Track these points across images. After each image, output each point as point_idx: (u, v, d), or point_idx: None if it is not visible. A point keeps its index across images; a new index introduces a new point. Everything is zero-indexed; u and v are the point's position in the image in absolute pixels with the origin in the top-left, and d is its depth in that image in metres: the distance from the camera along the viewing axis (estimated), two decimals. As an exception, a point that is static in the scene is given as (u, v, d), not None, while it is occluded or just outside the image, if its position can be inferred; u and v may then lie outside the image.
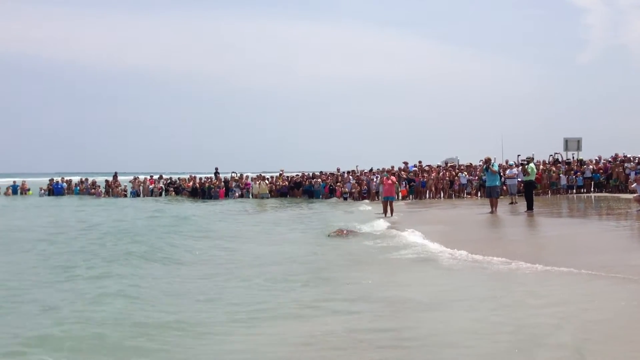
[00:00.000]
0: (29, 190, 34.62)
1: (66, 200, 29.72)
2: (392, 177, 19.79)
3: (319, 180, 29.61)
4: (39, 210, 23.08)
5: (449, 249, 10.30)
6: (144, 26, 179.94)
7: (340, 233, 13.58)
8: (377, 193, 24.70)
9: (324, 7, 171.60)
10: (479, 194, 25.84)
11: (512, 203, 20.57)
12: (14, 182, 36.77)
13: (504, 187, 22.80)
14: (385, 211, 18.58)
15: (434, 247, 10.89)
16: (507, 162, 25.50)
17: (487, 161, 18.88)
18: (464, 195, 26.63)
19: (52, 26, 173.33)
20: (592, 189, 25.91)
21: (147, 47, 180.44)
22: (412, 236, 12.57)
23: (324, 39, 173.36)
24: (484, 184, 25.07)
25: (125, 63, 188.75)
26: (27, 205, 26.44)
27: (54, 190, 33.18)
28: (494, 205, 17.88)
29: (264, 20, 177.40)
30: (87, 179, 34.73)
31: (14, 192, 34.36)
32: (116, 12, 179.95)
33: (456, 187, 26.75)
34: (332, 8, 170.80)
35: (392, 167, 26.30)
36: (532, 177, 18.86)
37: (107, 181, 34.13)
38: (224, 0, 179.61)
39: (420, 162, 28.73)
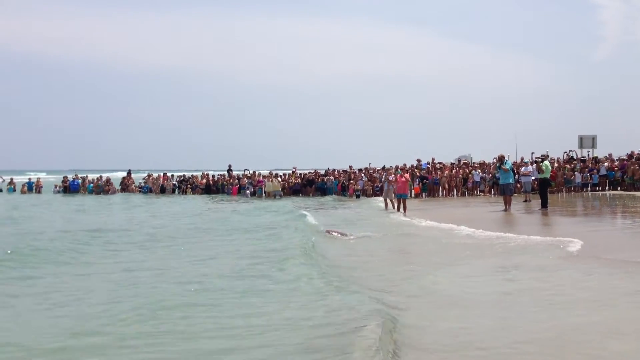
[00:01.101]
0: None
1: (93, 198, 29.85)
2: (406, 175, 19.77)
3: (332, 177, 29.64)
4: (91, 209, 22.86)
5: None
6: (157, 26, 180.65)
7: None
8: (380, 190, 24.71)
9: (337, 4, 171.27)
10: (492, 192, 25.75)
11: (526, 201, 20.46)
12: (29, 179, 37.22)
13: (518, 185, 22.69)
14: (395, 206, 18.73)
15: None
16: (522, 159, 25.38)
17: (501, 159, 18.78)
18: (477, 192, 26.54)
19: (71, 26, 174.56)
20: (607, 187, 25.70)
21: (161, 46, 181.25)
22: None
23: (337, 36, 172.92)
24: (497, 181, 25.02)
25: (140, 62, 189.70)
26: (66, 203, 26.16)
27: (70, 187, 33.47)
28: (507, 203, 17.79)
29: (277, 18, 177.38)
30: (101, 177, 34.99)
31: (30, 189, 34.74)
32: (131, 11, 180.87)
33: (469, 185, 26.66)
34: (345, 5, 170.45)
35: (405, 164, 26.25)
36: (547, 175, 18.76)
37: (123, 178, 34.49)
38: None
39: (433, 159, 28.65)
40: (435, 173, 26.94)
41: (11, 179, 36.49)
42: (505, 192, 18.08)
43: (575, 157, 27.93)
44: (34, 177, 37.45)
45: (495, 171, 23.66)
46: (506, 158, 19.11)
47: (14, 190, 34.57)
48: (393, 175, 21.50)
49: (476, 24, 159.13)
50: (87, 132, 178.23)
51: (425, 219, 15.61)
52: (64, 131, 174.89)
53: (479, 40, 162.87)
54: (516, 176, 21.60)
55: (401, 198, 18.68)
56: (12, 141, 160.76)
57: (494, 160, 25.23)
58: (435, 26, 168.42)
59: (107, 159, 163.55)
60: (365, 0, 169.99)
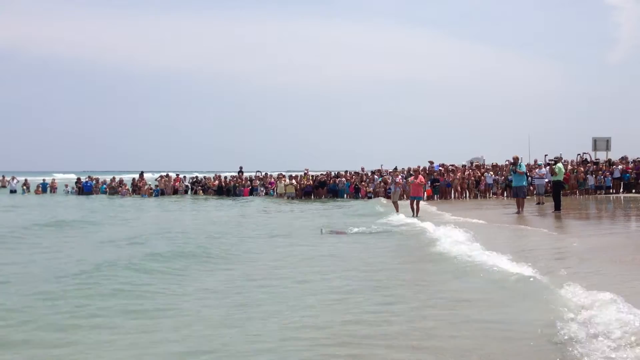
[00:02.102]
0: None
1: (112, 200, 30.14)
2: (420, 177, 19.71)
3: (343, 179, 29.65)
4: (130, 210, 23.04)
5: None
6: (169, 28, 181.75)
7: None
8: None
9: (353, 7, 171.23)
10: (505, 194, 25.63)
11: (539, 203, 20.35)
12: (44, 180, 37.58)
13: (531, 187, 22.56)
14: (397, 209, 18.78)
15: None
16: (535, 161, 25.25)
17: (515, 161, 18.58)
18: (489, 195, 26.43)
19: (84, 28, 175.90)
20: (620, 190, 25.50)
21: (174, 49, 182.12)
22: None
23: (351, 39, 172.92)
24: (510, 183, 24.91)
25: (152, 65, 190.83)
26: (98, 205, 26.11)
27: (83, 188, 33.74)
28: (520, 205, 17.71)
29: (292, 20, 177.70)
30: (114, 178, 35.27)
31: (44, 190, 35.10)
32: (143, 14, 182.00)
33: (482, 187, 26.56)
34: (362, 7, 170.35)
35: (418, 166, 26.23)
36: (560, 178, 18.64)
37: (133, 179, 34.72)
38: (250, 1, 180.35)
39: (443, 164, 28.51)
40: (448, 175, 26.85)
41: (25, 180, 36.90)
42: (518, 194, 17.99)
43: (589, 159, 27.71)
44: (48, 178, 37.79)
45: (509, 174, 23.57)
46: (520, 160, 19.02)
47: (28, 191, 34.98)
48: (400, 177, 21.54)
49: (490, 27, 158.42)
50: (99, 134, 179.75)
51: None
52: (76, 133, 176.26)
53: (493, 43, 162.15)
54: (529, 178, 21.49)
55: (415, 200, 18.65)
56: (22, 142, 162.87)
57: (507, 163, 25.16)
58: (451, 28, 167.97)
59: (119, 161, 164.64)
60: (383, 3, 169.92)
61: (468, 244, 10.63)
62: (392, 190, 20.26)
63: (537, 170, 21.82)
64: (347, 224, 15.83)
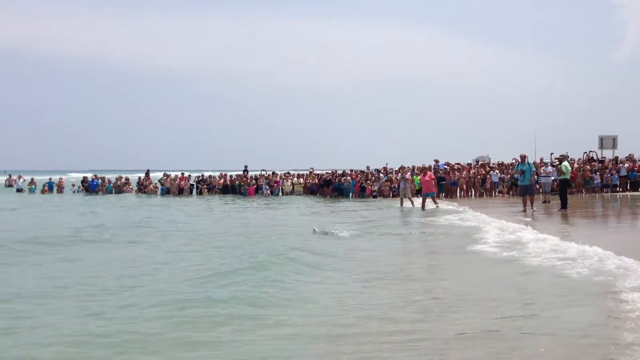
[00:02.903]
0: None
1: (122, 198, 30.29)
2: (429, 173, 19.74)
3: (348, 178, 29.63)
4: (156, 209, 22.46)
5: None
6: (176, 28, 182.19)
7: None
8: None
9: (358, 5, 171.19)
10: (510, 193, 25.59)
11: (545, 202, 20.32)
12: (50, 179, 37.71)
13: (537, 186, 22.50)
14: (413, 204, 18.83)
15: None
16: (541, 160, 25.19)
17: (522, 159, 18.44)
18: (495, 193, 26.40)
19: (92, 28, 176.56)
20: (627, 188, 25.42)
21: (185, 48, 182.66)
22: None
23: (351, 37, 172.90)
24: (515, 182, 24.85)
25: (157, 64, 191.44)
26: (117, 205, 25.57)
27: (90, 187, 33.87)
28: (525, 203, 17.72)
29: (297, 19, 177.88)
30: (120, 177, 35.36)
31: (50, 189, 35.24)
32: (148, 14, 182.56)
33: (488, 186, 26.52)
34: (367, 6, 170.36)
35: (424, 164, 26.22)
36: (567, 176, 18.59)
37: (139, 178, 34.83)
38: (257, 0, 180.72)
39: (447, 162, 28.46)
40: (453, 174, 26.83)
41: (32, 179, 37.10)
42: (526, 192, 17.94)
43: (595, 157, 27.63)
44: (55, 177, 37.91)
45: (514, 172, 23.46)
46: (527, 158, 18.93)
47: (35, 190, 35.19)
48: (409, 174, 21.61)
49: (495, 25, 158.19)
50: (104, 133, 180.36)
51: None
52: (77, 133, 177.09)
53: (497, 41, 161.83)
54: (535, 177, 21.42)
55: (428, 196, 18.74)
56: (27, 142, 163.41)
57: (514, 161, 25.15)
58: (455, 27, 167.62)
59: (119, 160, 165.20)
60: (388, 2, 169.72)
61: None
62: (402, 186, 20.33)
63: (543, 168, 21.72)
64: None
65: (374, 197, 27.57)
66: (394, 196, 27.33)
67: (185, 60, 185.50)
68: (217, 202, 26.71)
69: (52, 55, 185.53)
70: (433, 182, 20.08)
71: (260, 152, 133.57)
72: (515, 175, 24.30)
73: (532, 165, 19.13)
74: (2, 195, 31.51)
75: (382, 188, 27.94)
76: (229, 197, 29.66)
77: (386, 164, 30.28)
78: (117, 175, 36.05)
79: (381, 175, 28.84)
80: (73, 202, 27.70)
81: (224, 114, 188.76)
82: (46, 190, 34.95)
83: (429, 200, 19.90)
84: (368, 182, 28.55)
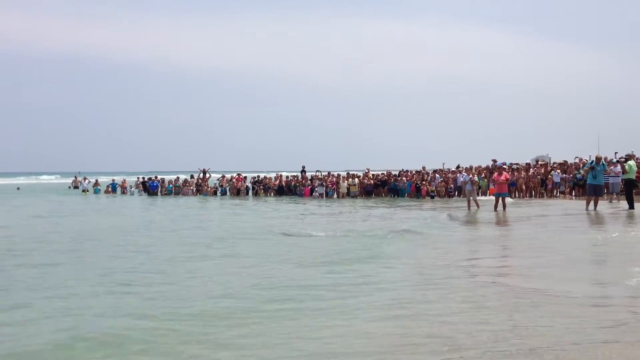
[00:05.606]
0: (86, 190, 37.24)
1: (184, 200, 31.04)
2: (505, 173, 19.43)
3: (404, 178, 29.52)
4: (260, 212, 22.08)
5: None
6: (219, 30, 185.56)
7: None
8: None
9: (410, 4, 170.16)
10: (573, 193, 24.91)
11: (612, 202, 19.71)
12: (113, 180, 39.20)
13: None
14: (478, 206, 18.72)
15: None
16: (606, 159, 24.42)
17: (598, 160, 17.88)
18: (557, 194, 25.74)
19: (119, 29, 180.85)
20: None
21: (227, 50, 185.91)
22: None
23: (411, 37, 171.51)
24: (578, 182, 24.18)
25: (207, 65, 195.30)
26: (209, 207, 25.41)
27: (150, 188, 34.93)
28: (589, 203, 17.38)
29: (342, 17, 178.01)
30: (178, 178, 36.31)
31: (113, 190, 36.59)
32: (178, 15, 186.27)
33: (549, 186, 25.89)
34: (420, 5, 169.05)
35: (494, 160, 26.05)
36: (632, 176, 18.01)
37: (197, 179, 35.65)
38: (299, 1, 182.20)
39: (504, 162, 27.96)
40: (512, 174, 26.31)
41: (96, 180, 38.68)
42: (595, 192, 17.52)
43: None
44: (117, 178, 39.43)
45: (579, 171, 22.91)
46: (602, 160, 18.38)
47: (100, 191, 36.68)
48: (475, 176, 21.49)
49: (555, 22, 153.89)
50: (156, 134, 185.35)
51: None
52: (126, 133, 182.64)
53: (558, 38, 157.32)
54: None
55: (501, 197, 18.51)
56: (58, 142, 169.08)
57: (577, 161, 24.57)
58: (512, 25, 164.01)
59: (177, 160, 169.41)
60: (445, 1, 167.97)
61: None
62: (469, 188, 20.08)
63: (612, 167, 20.99)
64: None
65: (431, 197, 27.35)
66: (449, 196, 27.10)
67: (231, 63, 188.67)
68: (289, 204, 25.66)
69: (76, 54, 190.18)
70: (507, 183, 19.77)
71: (314, 154, 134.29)
72: (578, 176, 23.71)
73: (606, 165, 18.66)
74: (86, 197, 33.01)
75: (438, 188, 27.69)
76: (285, 198, 30.03)
77: (443, 164, 30.07)
78: (175, 177, 36.99)
79: (437, 175, 28.60)
80: (156, 204, 27.51)
81: (273, 116, 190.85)
82: (109, 191, 36.28)
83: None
84: (424, 182, 28.35)
